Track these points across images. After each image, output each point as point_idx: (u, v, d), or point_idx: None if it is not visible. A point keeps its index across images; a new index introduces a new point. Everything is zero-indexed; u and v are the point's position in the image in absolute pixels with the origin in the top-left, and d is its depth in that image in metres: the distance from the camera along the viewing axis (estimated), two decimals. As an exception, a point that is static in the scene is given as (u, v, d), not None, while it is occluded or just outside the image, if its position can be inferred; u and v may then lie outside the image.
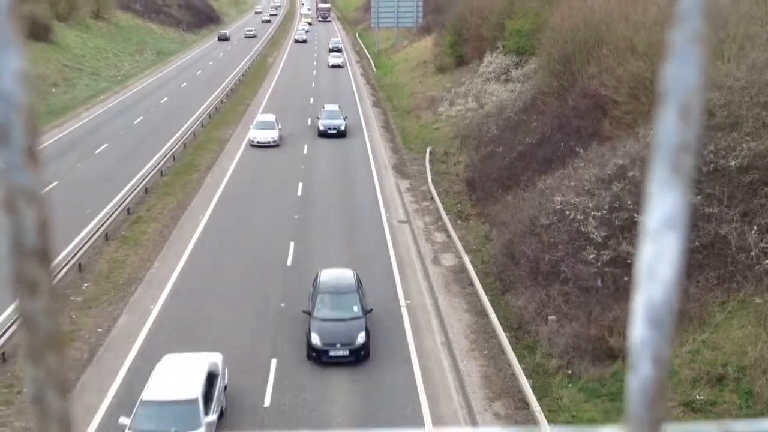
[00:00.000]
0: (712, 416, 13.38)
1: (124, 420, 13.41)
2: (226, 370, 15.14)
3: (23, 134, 0.64)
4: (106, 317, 18.79)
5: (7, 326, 16.92)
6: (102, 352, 17.10)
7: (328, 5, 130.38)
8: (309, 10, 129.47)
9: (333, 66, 66.41)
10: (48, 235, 0.69)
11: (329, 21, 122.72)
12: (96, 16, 74.80)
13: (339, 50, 74.94)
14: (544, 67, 32.23)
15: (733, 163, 17.87)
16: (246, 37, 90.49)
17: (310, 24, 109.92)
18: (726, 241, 16.59)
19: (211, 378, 14.17)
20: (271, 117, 38.81)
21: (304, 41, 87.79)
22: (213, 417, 13.54)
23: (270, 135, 36.48)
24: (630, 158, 19.82)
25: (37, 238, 0.68)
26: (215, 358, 14.88)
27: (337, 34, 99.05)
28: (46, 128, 40.44)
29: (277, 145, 36.31)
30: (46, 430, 0.69)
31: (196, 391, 13.47)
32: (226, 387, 14.92)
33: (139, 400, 13.59)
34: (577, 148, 23.57)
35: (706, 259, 16.53)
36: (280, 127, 37.80)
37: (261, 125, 37.44)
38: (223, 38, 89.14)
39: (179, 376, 13.86)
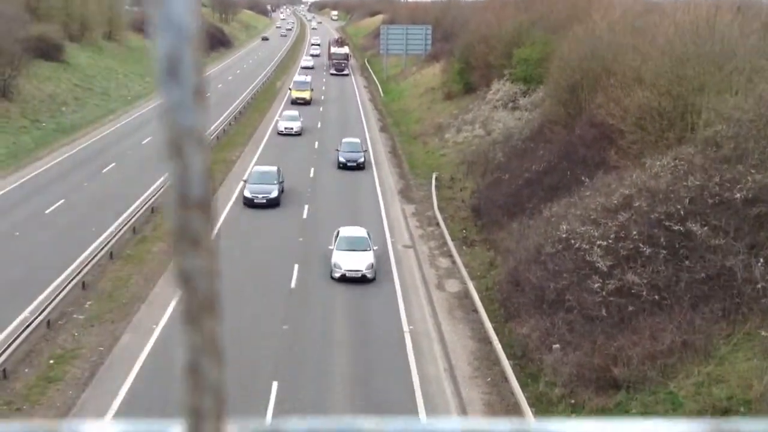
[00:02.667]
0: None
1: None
2: None
3: (193, 70, 0.57)
4: (108, 336, 18.75)
5: (9, 342, 16.89)
6: (103, 371, 17.03)
7: (346, 50, 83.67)
8: (306, 77, 63.47)
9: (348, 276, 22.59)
10: (210, 186, 0.62)
11: (346, 74, 78.94)
12: (108, 37, 75.65)
13: (360, 165, 35.88)
14: (552, 96, 32.38)
15: (738, 195, 17.83)
16: (281, 36, 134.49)
17: (306, 103, 56.79)
18: (732, 273, 16.50)
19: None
20: None
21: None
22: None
23: None
24: (636, 188, 19.81)
25: (202, 188, 0.61)
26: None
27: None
28: (55, 147, 40.75)
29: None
30: (200, 402, 0.62)
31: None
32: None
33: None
34: (583, 177, 23.58)
35: (711, 290, 16.43)
36: None
37: None
38: (265, 39, 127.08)
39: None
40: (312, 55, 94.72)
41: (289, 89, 61.77)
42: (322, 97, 62.53)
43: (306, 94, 58.92)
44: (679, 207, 18.19)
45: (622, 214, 18.98)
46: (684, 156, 20.24)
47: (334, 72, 79.74)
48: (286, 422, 0.67)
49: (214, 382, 0.63)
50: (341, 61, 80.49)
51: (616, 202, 19.72)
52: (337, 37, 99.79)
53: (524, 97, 39.59)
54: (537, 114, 34.84)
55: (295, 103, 57.19)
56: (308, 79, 63.03)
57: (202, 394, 0.62)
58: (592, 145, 25.82)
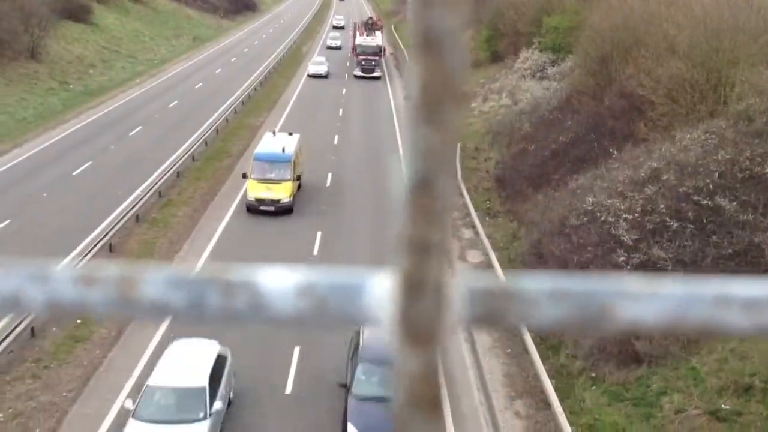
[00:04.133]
0: (738, 426, 13.16)
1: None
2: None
3: None
4: (133, 298, 19.03)
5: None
6: (129, 332, 17.34)
7: (379, 42, 58.24)
8: (290, 138, 27.53)
9: None
10: None
11: (378, 76, 54.79)
12: (135, -1, 75.58)
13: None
14: (581, 66, 31.86)
15: (770, 170, 17.50)
16: None
17: (285, 210, 25.03)
18: (760, 249, 16.28)
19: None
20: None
21: None
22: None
23: None
24: (665, 161, 19.52)
25: None
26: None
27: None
28: (83, 109, 41.04)
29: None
30: (427, 233, 0.43)
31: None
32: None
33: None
34: (610, 149, 23.27)
35: (738, 266, 16.23)
36: None
37: None
38: None
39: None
40: (330, 47, 67.81)
41: (244, 175, 26.51)
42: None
43: (281, 192, 25.27)
44: (708, 181, 17.91)
45: (650, 188, 18.74)
46: (715, 129, 19.87)
47: (360, 74, 54.60)
48: (518, 279, 0.53)
49: (445, 207, 0.43)
50: (371, 58, 55.01)
51: (643, 175, 19.45)
52: (366, 19, 67.47)
53: (553, 66, 39.01)
54: (565, 84, 34.33)
55: (254, 210, 25.14)
56: (291, 145, 26.97)
57: (431, 222, 0.43)
58: (620, 117, 25.43)
